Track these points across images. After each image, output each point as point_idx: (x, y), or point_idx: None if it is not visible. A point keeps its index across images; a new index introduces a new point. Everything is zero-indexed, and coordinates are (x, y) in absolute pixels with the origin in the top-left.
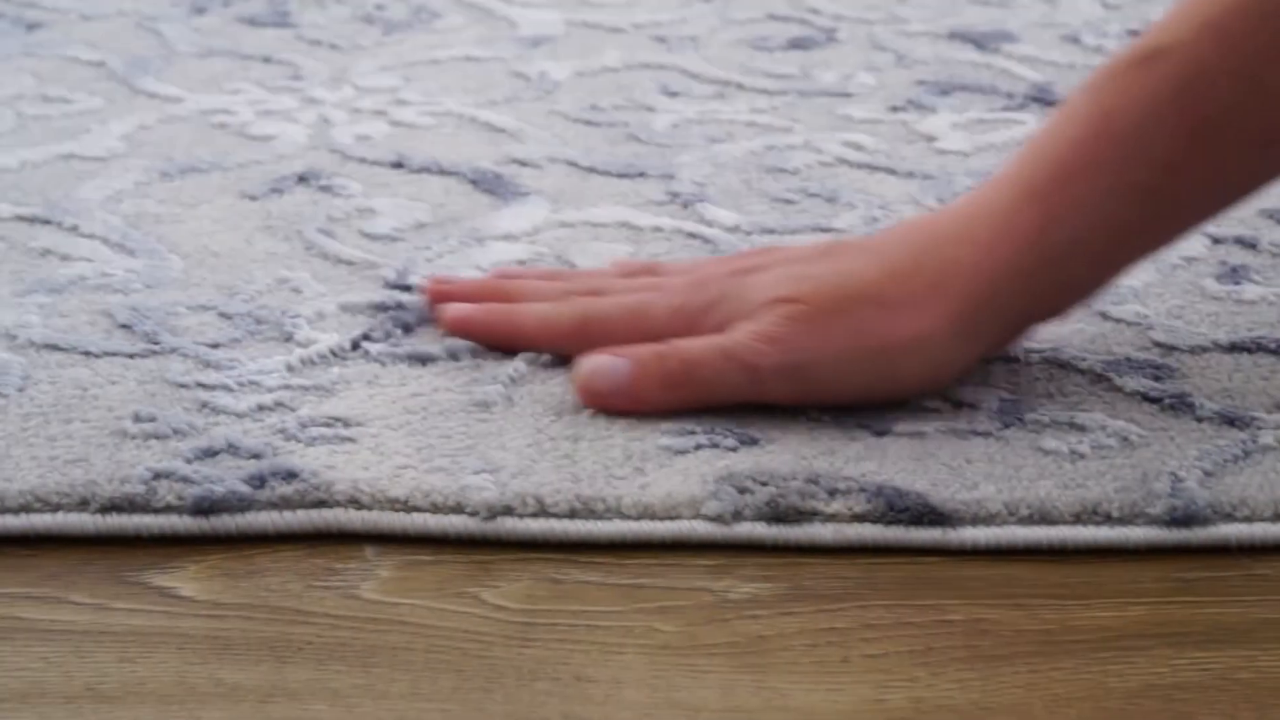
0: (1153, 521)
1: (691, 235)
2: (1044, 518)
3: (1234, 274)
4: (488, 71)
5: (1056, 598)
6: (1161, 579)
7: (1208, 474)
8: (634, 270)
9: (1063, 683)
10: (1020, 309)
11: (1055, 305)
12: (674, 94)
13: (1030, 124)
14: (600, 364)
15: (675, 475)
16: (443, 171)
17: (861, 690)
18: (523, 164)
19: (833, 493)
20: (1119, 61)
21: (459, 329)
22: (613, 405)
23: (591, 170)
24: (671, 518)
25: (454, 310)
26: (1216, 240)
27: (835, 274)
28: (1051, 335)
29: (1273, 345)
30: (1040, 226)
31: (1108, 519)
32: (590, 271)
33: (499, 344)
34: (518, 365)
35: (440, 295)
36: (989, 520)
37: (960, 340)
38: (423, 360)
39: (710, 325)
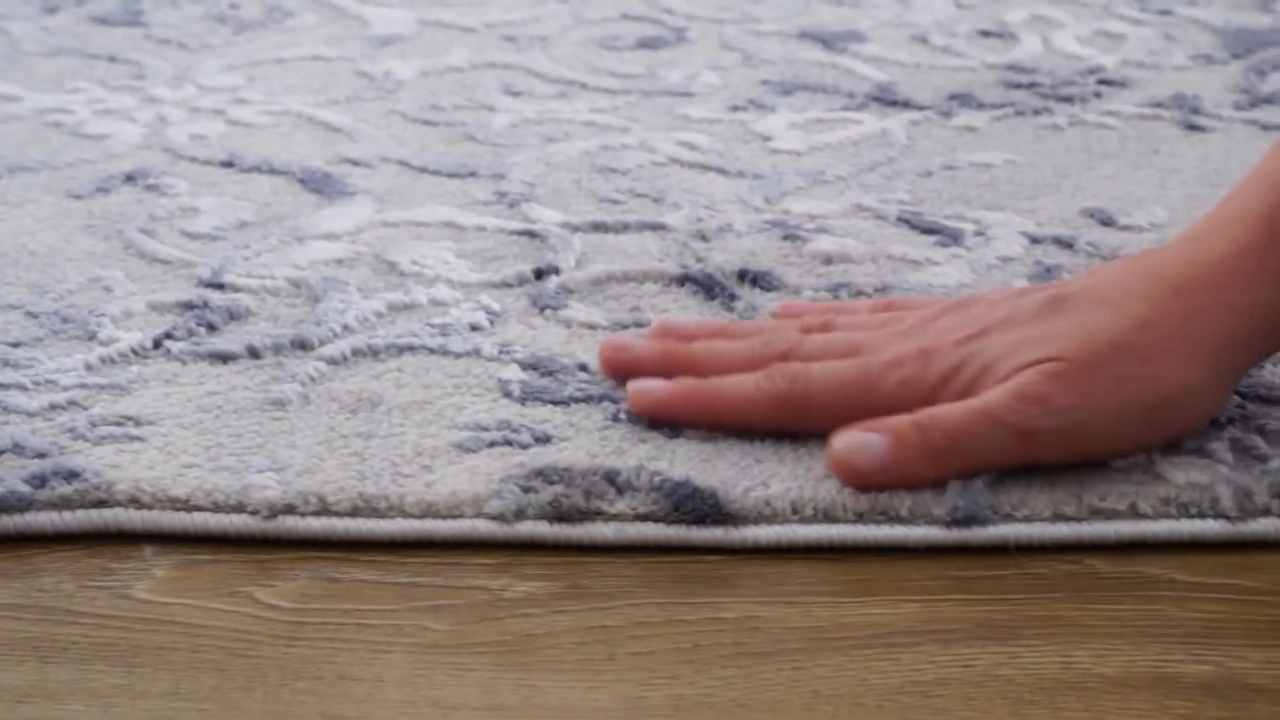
0: (934, 521)
1: (515, 234)
2: (827, 517)
3: (1048, 274)
4: (333, 71)
5: (832, 595)
6: (939, 577)
7: (997, 474)
8: (812, 325)
9: (825, 680)
10: (1271, 343)
11: None
12: (516, 94)
13: (868, 123)
14: (858, 442)
15: (462, 474)
16: (273, 171)
17: (623, 688)
18: (355, 163)
19: (620, 492)
20: None
21: (655, 413)
22: (877, 483)
23: (423, 170)
24: (454, 516)
25: (647, 395)
26: (1035, 240)
27: (1081, 329)
28: None
29: None
30: None
31: (896, 519)
32: (768, 326)
33: (701, 425)
34: (318, 364)
35: (620, 367)
36: (771, 519)
37: (1221, 382)
38: (224, 359)
39: (951, 395)
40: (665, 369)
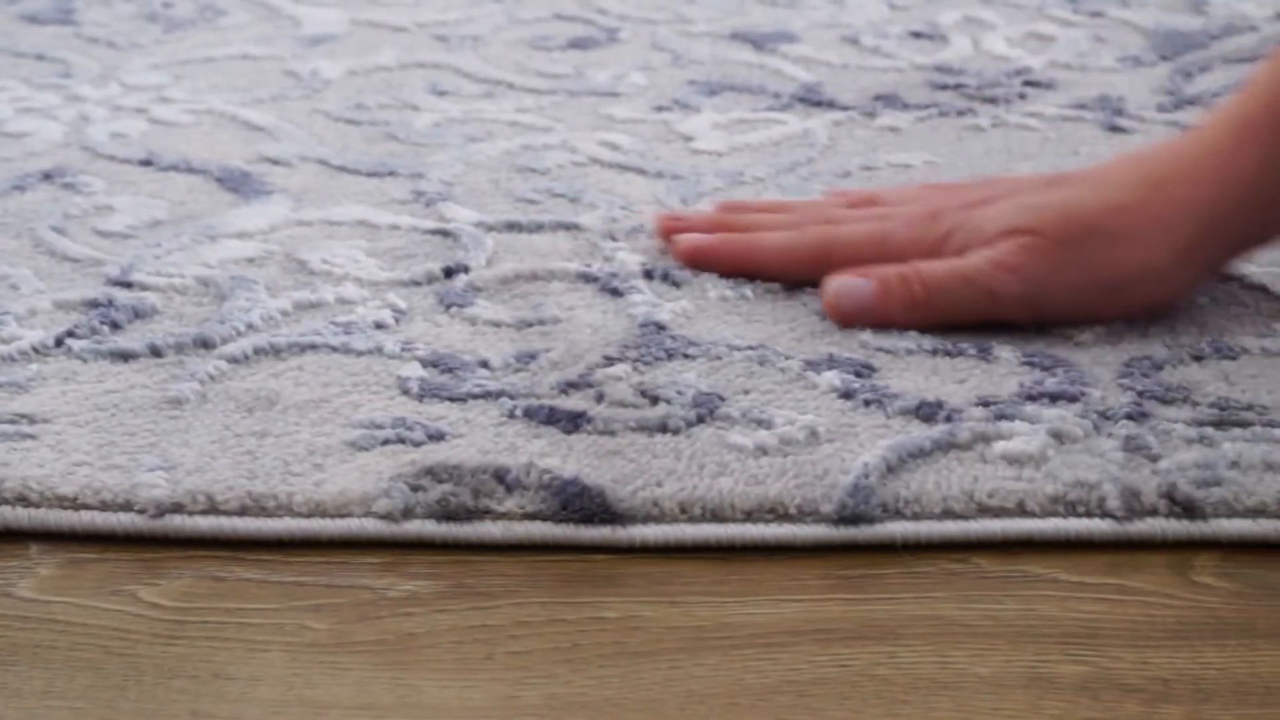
0: (823, 520)
1: (429, 233)
2: (716, 515)
3: None
4: (260, 70)
5: (716, 595)
6: (824, 576)
7: (890, 470)
8: (856, 200)
9: (701, 679)
10: (1239, 239)
11: (1272, 234)
12: (442, 93)
13: (791, 124)
14: (846, 284)
15: (353, 472)
16: (190, 170)
17: (498, 687)
18: (274, 162)
19: (509, 490)
20: None
21: (696, 258)
22: (858, 323)
23: (341, 169)
24: (342, 515)
25: (689, 239)
26: None
27: (1064, 205)
28: (761, 334)
29: (973, 351)
30: (1259, 165)
31: (785, 516)
32: (814, 202)
33: (738, 271)
34: (218, 363)
35: (671, 228)
36: (660, 519)
37: (1183, 269)
38: (125, 357)
39: (947, 253)
40: (711, 229)
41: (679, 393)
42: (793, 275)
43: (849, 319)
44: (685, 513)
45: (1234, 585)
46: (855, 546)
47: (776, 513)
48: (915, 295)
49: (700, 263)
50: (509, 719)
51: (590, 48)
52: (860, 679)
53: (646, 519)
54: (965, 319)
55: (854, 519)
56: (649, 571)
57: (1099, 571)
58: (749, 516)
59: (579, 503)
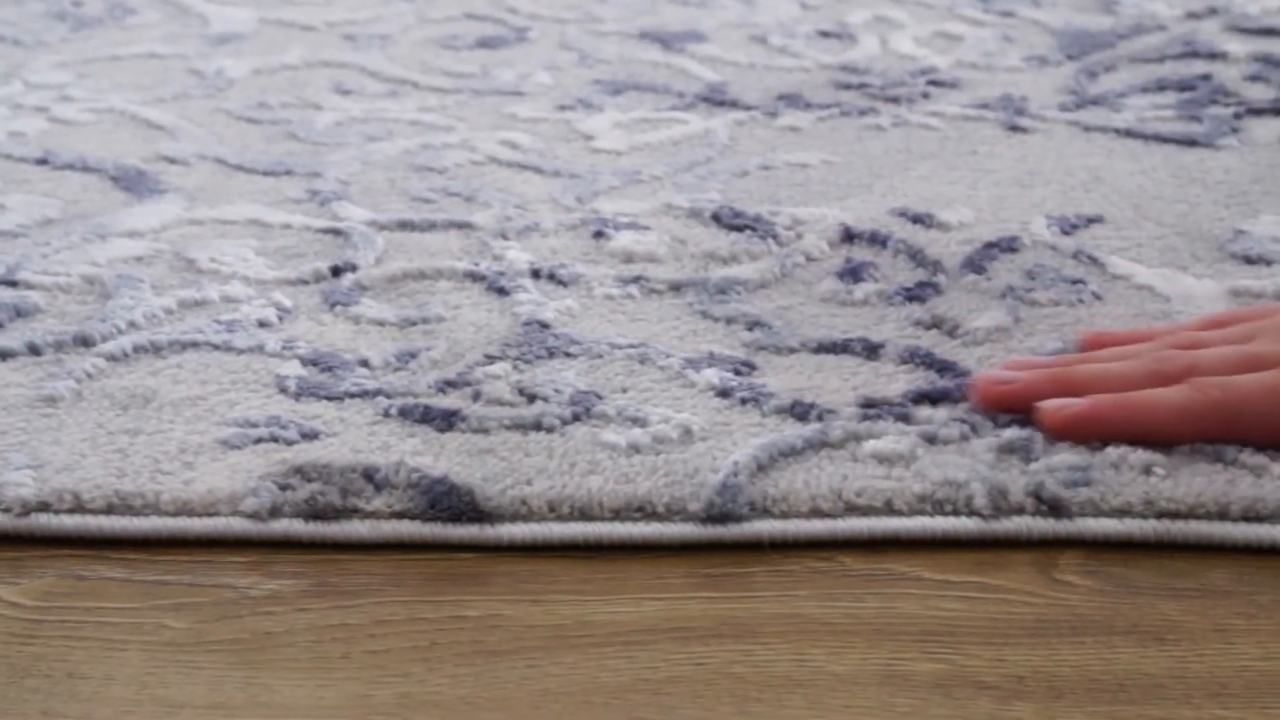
0: (690, 518)
1: (320, 231)
2: (584, 514)
3: (856, 271)
4: (166, 68)
5: (579, 594)
6: (689, 575)
7: (760, 469)
8: (1181, 343)
9: (556, 678)
10: None
11: None
12: (346, 92)
13: (693, 123)
14: None
15: (223, 471)
16: (86, 168)
17: (352, 686)
18: (172, 161)
19: (378, 489)
20: None
21: (1081, 428)
22: None
23: (239, 168)
24: (210, 514)
25: (1069, 409)
26: (850, 236)
27: None
28: (644, 333)
29: (859, 348)
30: None
31: (653, 515)
32: (1138, 347)
33: (1128, 437)
34: (96, 361)
35: (1002, 398)
36: (528, 517)
37: None
38: (2, 355)
39: None
40: (1062, 392)
41: (556, 391)
42: (1189, 437)
43: None
44: (554, 511)
45: (1096, 584)
46: (722, 545)
47: (645, 511)
48: None
49: (1086, 434)
50: (360, 718)
51: (499, 47)
52: (715, 677)
53: (514, 517)
54: None
55: (721, 518)
56: (515, 570)
57: (963, 570)
58: (617, 515)
59: (446, 501)
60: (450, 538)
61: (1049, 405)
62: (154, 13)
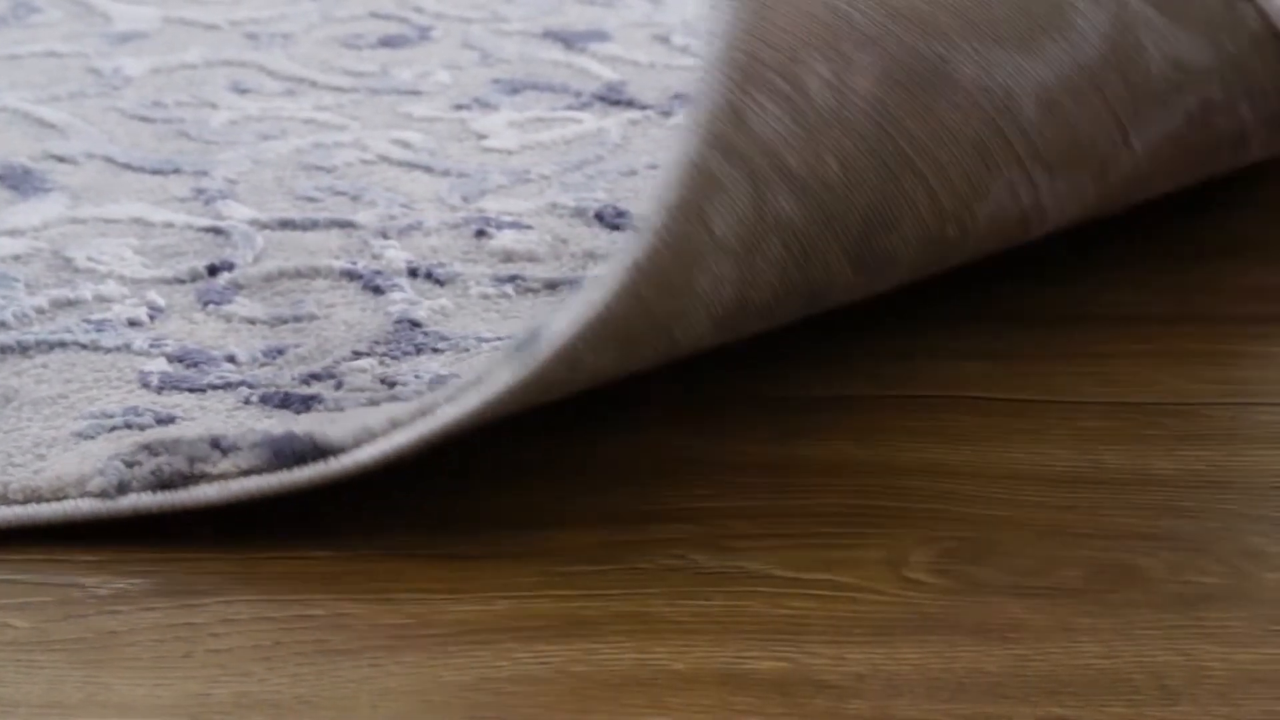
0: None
1: (201, 230)
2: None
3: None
4: (64, 67)
5: (428, 592)
6: (542, 573)
7: None
8: None
9: (398, 677)
10: None
11: None
12: (244, 91)
13: (587, 123)
14: None
15: (74, 458)
16: None
17: (190, 685)
18: (60, 159)
19: (225, 453)
20: None
21: None
22: None
23: (127, 167)
24: (58, 499)
25: None
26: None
27: None
28: (515, 329)
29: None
30: None
31: None
32: None
33: None
34: None
35: None
36: (371, 440)
37: None
38: None
39: None
40: None
41: (416, 377)
42: None
43: None
44: (396, 425)
45: (946, 582)
46: (573, 542)
47: None
48: None
49: None
50: (195, 717)
51: (401, 46)
52: (557, 676)
53: (357, 444)
54: None
55: None
56: (368, 569)
57: (814, 568)
58: None
59: (290, 448)
60: (298, 481)
61: None
62: (58, 11)
